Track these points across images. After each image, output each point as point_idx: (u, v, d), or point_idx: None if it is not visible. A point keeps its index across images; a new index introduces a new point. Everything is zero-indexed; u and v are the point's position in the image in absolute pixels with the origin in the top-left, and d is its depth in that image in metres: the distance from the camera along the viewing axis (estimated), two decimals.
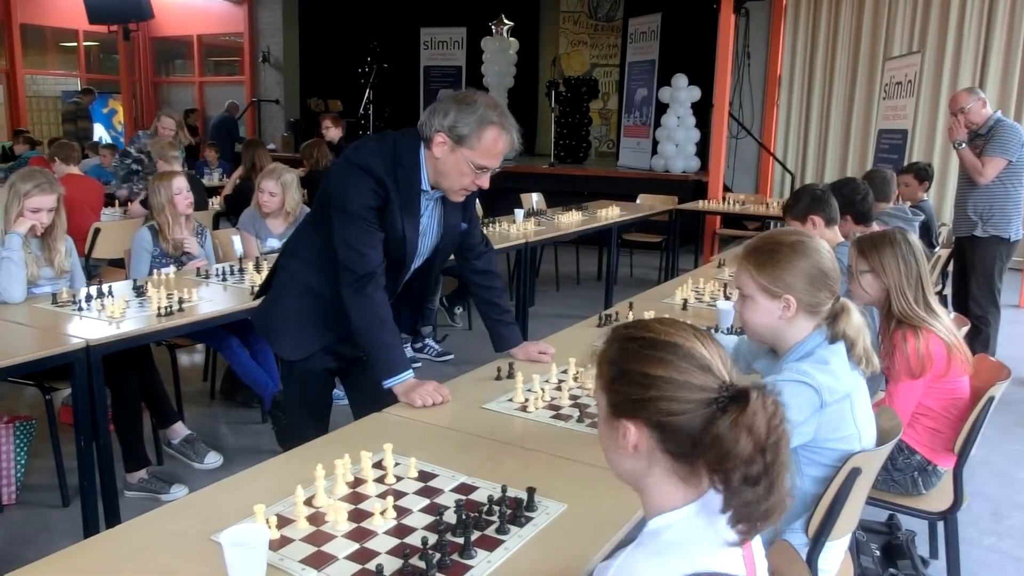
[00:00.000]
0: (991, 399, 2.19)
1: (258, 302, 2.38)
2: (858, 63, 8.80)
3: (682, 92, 9.21)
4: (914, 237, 2.44)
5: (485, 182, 2.03)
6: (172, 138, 5.84)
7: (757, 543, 1.11)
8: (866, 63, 8.74)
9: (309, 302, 2.18)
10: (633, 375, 1.05)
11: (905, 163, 6.54)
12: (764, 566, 1.12)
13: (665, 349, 1.05)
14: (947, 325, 2.33)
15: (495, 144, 1.97)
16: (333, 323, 2.13)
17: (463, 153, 1.96)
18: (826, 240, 2.96)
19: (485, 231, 4.94)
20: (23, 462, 3.20)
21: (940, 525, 2.61)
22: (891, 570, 2.39)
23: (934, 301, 2.37)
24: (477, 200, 2.40)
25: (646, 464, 1.06)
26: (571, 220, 5.84)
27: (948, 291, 5.17)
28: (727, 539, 1.00)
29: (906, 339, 2.29)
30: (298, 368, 2.26)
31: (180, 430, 3.47)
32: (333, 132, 7.29)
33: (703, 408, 1.01)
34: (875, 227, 3.29)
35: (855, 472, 1.64)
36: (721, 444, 0.97)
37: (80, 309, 2.89)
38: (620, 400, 1.07)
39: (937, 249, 4.94)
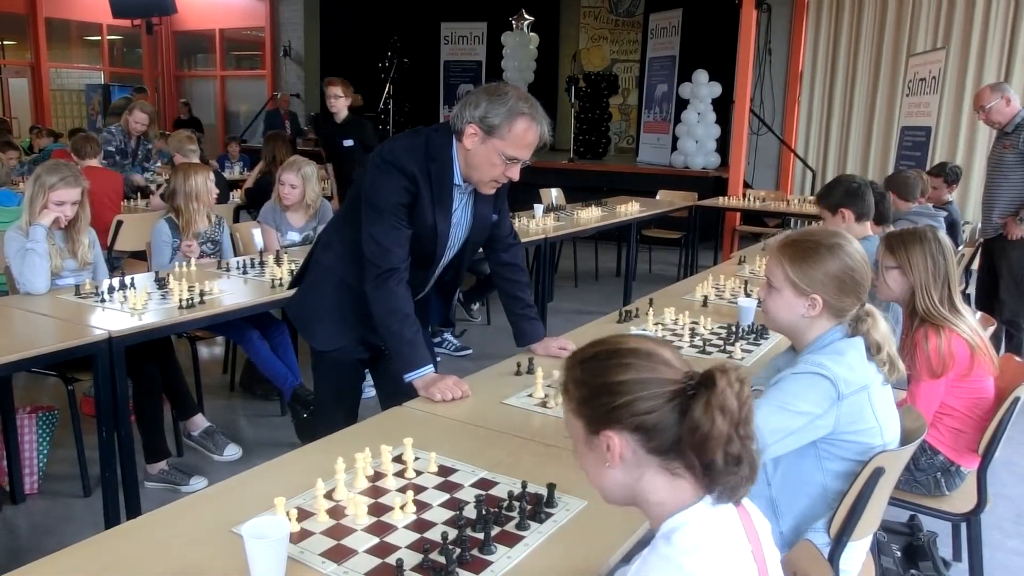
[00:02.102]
0: (1016, 400, 2.16)
1: (292, 292, 2.41)
2: (881, 59, 8.69)
3: (703, 88, 9.15)
4: (944, 235, 2.41)
5: (515, 174, 2.04)
6: (145, 128, 5.83)
7: (763, 526, 1.11)
8: (889, 59, 8.63)
9: (344, 295, 2.20)
10: (602, 387, 1.08)
11: (928, 160, 6.48)
12: (773, 552, 1.12)
13: (627, 355, 1.09)
14: (972, 325, 2.30)
15: (525, 135, 1.98)
16: (366, 316, 2.15)
17: (494, 144, 1.97)
18: (853, 235, 2.93)
19: None
20: (45, 452, 3.24)
21: (963, 527, 2.58)
22: (912, 571, 2.36)
23: (959, 301, 2.34)
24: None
25: (636, 471, 1.08)
26: (590, 216, 5.82)
27: (971, 290, 5.10)
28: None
29: (928, 338, 2.27)
30: (329, 358, 2.28)
31: (200, 422, 3.49)
32: (341, 103, 5.54)
33: (674, 399, 1.05)
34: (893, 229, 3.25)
35: (878, 472, 1.62)
36: (699, 429, 1.01)
37: (103, 301, 2.91)
38: (595, 415, 1.09)
39: (961, 248, 4.88)
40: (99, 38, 13.80)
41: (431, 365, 2.08)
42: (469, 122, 1.98)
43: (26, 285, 3.00)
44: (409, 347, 2.05)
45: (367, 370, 2.42)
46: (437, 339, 4.95)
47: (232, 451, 3.44)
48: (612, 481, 1.11)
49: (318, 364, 2.35)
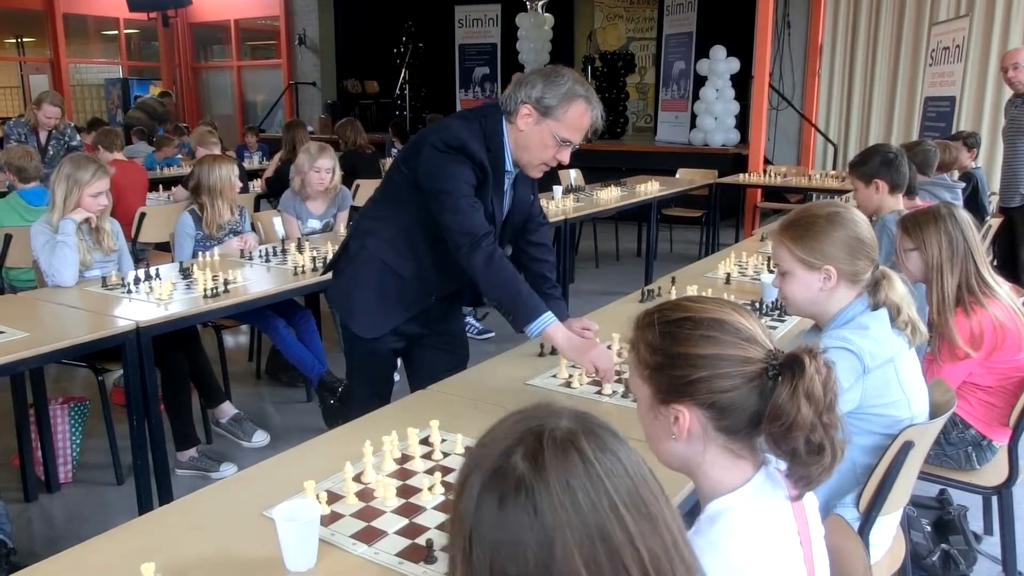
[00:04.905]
0: None
1: (318, 279, 2.43)
2: (903, 29, 8.53)
3: (720, 64, 9.04)
4: (962, 212, 2.33)
5: (566, 156, 2.04)
6: (55, 122, 5.55)
7: (811, 503, 1.10)
8: (911, 29, 8.47)
9: (388, 281, 2.19)
10: (680, 358, 1.02)
11: (953, 131, 6.36)
12: (819, 527, 1.11)
13: (710, 327, 1.03)
14: (1004, 299, 2.26)
15: (581, 118, 1.97)
16: (411, 302, 2.17)
17: (548, 125, 1.97)
18: (886, 206, 2.85)
19: None
20: (78, 442, 3.30)
21: (994, 500, 2.55)
22: (943, 546, 2.35)
23: (988, 273, 2.29)
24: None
25: (700, 447, 1.04)
26: (610, 196, 5.79)
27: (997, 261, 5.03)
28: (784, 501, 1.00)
29: (956, 321, 2.22)
30: (367, 347, 2.26)
31: (228, 409, 3.54)
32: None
33: (755, 380, 1.00)
34: (918, 202, 3.20)
35: (908, 446, 1.61)
36: (784, 415, 0.96)
37: (129, 292, 2.95)
38: (667, 385, 1.04)
39: (988, 219, 4.79)
40: (116, 32, 13.88)
41: (550, 312, 1.96)
42: (524, 102, 1.97)
43: (55, 277, 3.04)
44: (525, 299, 1.96)
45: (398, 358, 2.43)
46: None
47: (260, 437, 3.48)
48: (672, 452, 1.07)
49: (352, 350, 2.34)
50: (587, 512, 0.70)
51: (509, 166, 2.08)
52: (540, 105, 1.95)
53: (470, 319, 5.02)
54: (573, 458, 0.72)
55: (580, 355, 1.93)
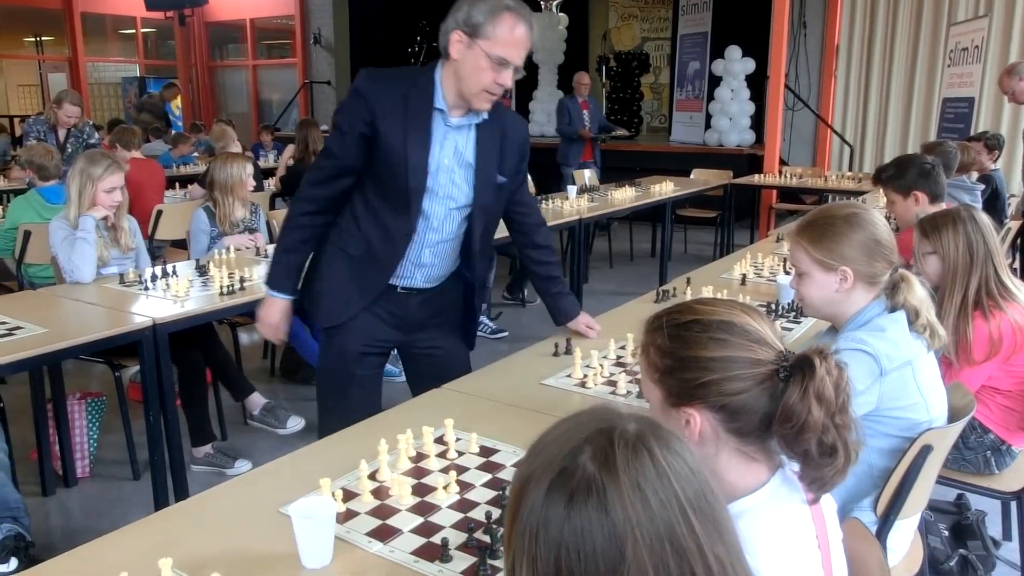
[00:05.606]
0: None
1: None
2: (920, 29, 8.46)
3: (736, 64, 9.00)
4: (982, 215, 2.30)
5: (507, 79, 1.90)
6: (75, 121, 5.63)
7: (829, 506, 1.09)
8: (929, 29, 8.40)
9: (341, 263, 2.10)
10: (689, 361, 1.02)
11: (972, 132, 6.30)
12: (836, 531, 1.10)
13: (720, 329, 1.02)
14: (1023, 303, 2.23)
15: (511, 32, 1.87)
16: (366, 282, 2.07)
17: (479, 46, 1.86)
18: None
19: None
20: (95, 437, 3.32)
21: (1013, 505, 2.53)
22: (961, 551, 2.33)
23: (1008, 277, 2.26)
24: (529, 178, 2.36)
25: (713, 449, 1.04)
26: (624, 196, 5.78)
27: (1017, 264, 4.97)
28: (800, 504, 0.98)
29: (974, 325, 2.20)
30: (335, 344, 2.15)
31: (258, 400, 3.54)
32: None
33: (766, 381, 0.99)
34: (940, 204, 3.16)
35: (926, 450, 1.59)
36: (795, 416, 0.95)
37: (146, 288, 2.97)
38: (677, 388, 1.04)
39: (1007, 221, 4.74)
40: (133, 31, 13.98)
41: (282, 294, 2.14)
42: (453, 29, 1.89)
43: (74, 273, 3.07)
44: (273, 267, 2.15)
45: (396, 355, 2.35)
46: None
47: (295, 422, 3.46)
48: None
49: (324, 347, 2.22)
50: (657, 513, 0.70)
51: (440, 103, 1.96)
52: (468, 26, 1.87)
53: (483, 318, 5.02)
54: (644, 459, 0.73)
55: (259, 321, 2.18)
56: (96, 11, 13.15)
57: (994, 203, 4.67)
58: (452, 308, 2.23)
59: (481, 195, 2.06)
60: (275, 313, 2.16)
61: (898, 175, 2.95)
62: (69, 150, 5.68)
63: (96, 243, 3.11)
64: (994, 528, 2.63)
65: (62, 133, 5.74)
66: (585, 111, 7.67)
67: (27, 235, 3.74)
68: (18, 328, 2.47)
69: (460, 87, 1.93)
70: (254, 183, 3.90)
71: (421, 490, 1.50)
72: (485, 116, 2.01)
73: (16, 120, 11.49)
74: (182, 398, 3.22)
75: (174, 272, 3.15)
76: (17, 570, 2.33)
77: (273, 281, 2.15)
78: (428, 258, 2.08)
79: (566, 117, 7.57)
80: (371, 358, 2.17)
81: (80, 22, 12.71)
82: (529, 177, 2.35)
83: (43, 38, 13.71)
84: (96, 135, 6.07)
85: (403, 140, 1.94)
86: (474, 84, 1.91)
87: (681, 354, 1.03)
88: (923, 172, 2.89)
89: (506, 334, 4.98)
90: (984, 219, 2.29)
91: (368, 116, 1.94)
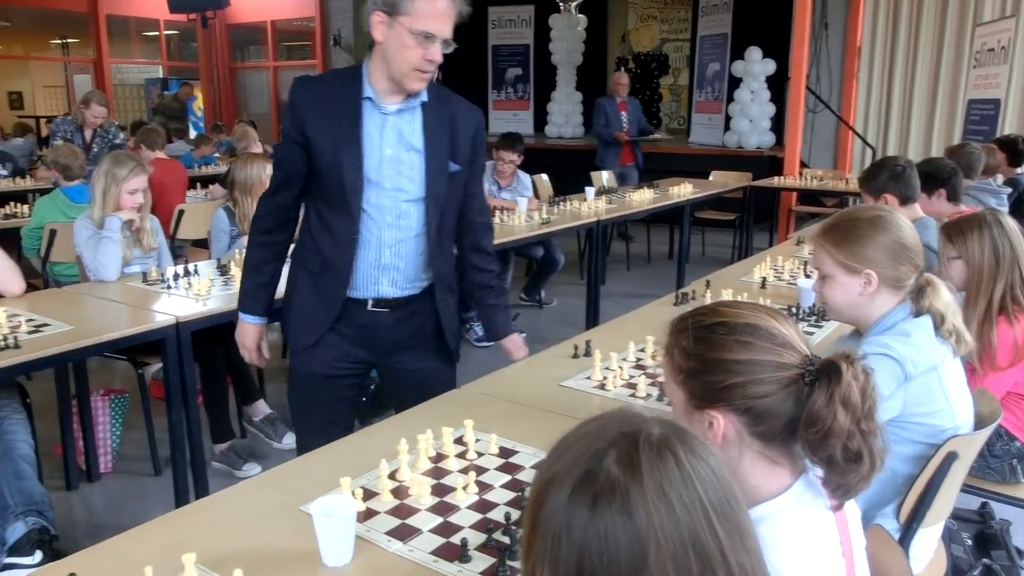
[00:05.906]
0: None
1: None
2: (945, 30, 8.36)
3: (756, 66, 8.95)
4: (1008, 219, 2.27)
5: (436, 54, 1.82)
6: (102, 121, 5.70)
7: (853, 512, 1.08)
8: (954, 30, 8.29)
9: (304, 281, 2.03)
10: (714, 364, 1.02)
11: (998, 134, 6.22)
12: (860, 538, 1.08)
13: (745, 332, 1.02)
14: None
15: (432, 3, 1.78)
16: (327, 298, 1.98)
17: (401, 23, 1.78)
18: None
19: (556, 209, 4.93)
20: (118, 433, 3.36)
21: None
22: (985, 561, 2.30)
23: None
24: (529, 179, 2.28)
25: (736, 453, 1.03)
26: (642, 198, 5.76)
27: None
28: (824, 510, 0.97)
29: (999, 330, 2.17)
30: (303, 364, 2.06)
31: (262, 407, 3.57)
32: None
33: (791, 385, 0.99)
34: (963, 208, 3.13)
35: (951, 457, 1.57)
36: (820, 421, 0.94)
37: (168, 287, 3.00)
38: (701, 391, 1.03)
39: None
40: (157, 33, 14.13)
41: (255, 317, 2.11)
42: (372, 10, 1.81)
43: (99, 271, 3.10)
44: (242, 286, 2.13)
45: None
46: (468, 327, 4.85)
47: (290, 440, 3.50)
48: None
49: (290, 371, 2.14)
50: (681, 517, 0.70)
51: (367, 92, 1.88)
52: (386, 5, 1.79)
53: (474, 326, 4.92)
54: (669, 463, 0.72)
55: (240, 335, 2.13)
56: (121, 13, 13.31)
57: (1020, 206, 4.61)
58: (427, 326, 2.09)
59: (433, 183, 1.94)
60: (248, 337, 2.12)
61: (870, 177, 2.93)
62: (95, 150, 5.76)
63: (120, 243, 3.15)
64: (1019, 538, 2.59)
65: (88, 133, 5.83)
66: (623, 112, 7.54)
67: (52, 234, 3.79)
68: (44, 325, 2.50)
69: (390, 70, 1.85)
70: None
71: (440, 490, 1.51)
72: (425, 98, 1.93)
73: (43, 120, 11.64)
74: (204, 396, 3.25)
75: (196, 271, 3.18)
76: (42, 563, 2.37)
77: (242, 303, 2.12)
78: (390, 258, 1.96)
79: (602, 118, 7.42)
80: (340, 380, 2.07)
81: (105, 24, 12.86)
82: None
83: (69, 40, 13.89)
84: (121, 135, 6.16)
85: (332, 139, 1.89)
86: (403, 64, 1.82)
87: (706, 356, 1.03)
88: (894, 174, 2.86)
89: (523, 335, 4.93)
90: (1010, 223, 2.26)
91: (300, 123, 1.90)
